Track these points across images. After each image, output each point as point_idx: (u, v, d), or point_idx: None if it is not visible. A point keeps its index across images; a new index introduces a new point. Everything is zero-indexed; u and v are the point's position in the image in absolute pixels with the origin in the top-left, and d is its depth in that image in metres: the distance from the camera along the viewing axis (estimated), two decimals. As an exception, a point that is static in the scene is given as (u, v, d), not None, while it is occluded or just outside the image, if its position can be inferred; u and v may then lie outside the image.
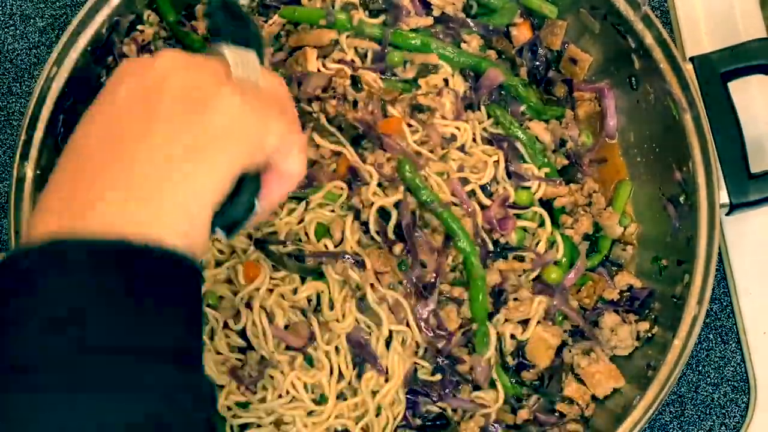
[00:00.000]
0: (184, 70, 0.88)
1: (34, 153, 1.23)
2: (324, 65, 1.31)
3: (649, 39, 1.27)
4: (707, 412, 1.42)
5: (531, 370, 1.30)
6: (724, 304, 1.45)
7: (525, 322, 1.30)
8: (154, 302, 0.80)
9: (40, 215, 0.83)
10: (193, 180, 0.83)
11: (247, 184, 0.93)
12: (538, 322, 1.29)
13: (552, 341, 1.29)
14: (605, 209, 1.34)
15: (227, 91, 0.87)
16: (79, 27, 1.26)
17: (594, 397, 1.30)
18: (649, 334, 1.30)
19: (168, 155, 0.83)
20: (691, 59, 1.27)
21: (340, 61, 1.31)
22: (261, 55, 1.00)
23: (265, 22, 1.34)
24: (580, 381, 1.31)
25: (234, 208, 0.92)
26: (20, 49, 1.49)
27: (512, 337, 1.29)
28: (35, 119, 1.24)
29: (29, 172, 1.23)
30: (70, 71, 1.25)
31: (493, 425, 1.28)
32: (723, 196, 1.24)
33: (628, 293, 1.34)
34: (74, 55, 1.26)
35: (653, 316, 1.31)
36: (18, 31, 1.49)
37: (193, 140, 0.84)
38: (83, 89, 1.29)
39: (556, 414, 1.30)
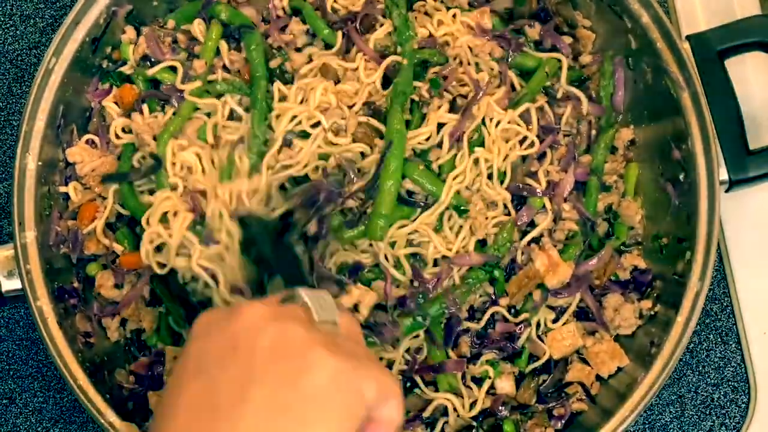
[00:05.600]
0: (271, 322, 0.86)
1: (35, 144, 1.25)
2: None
3: (645, 18, 1.28)
4: (707, 413, 1.42)
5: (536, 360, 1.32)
6: (724, 304, 1.45)
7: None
8: None
9: None
10: None
11: None
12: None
13: (578, 341, 1.30)
14: (624, 198, 1.35)
15: (321, 353, 0.84)
16: (77, 17, 1.26)
17: (599, 377, 1.30)
18: (652, 312, 1.30)
19: (270, 426, 0.81)
20: (688, 38, 1.27)
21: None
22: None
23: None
24: (585, 361, 1.31)
25: None
26: (20, 49, 1.50)
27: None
28: (36, 110, 1.25)
29: (31, 164, 1.24)
30: (69, 61, 1.27)
31: (500, 407, 1.28)
32: (722, 173, 1.24)
33: (633, 274, 1.34)
34: (73, 45, 1.27)
35: (655, 295, 1.31)
36: (18, 32, 1.50)
37: (296, 408, 0.81)
38: (83, 79, 1.32)
39: (562, 393, 1.30)
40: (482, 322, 1.29)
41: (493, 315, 1.29)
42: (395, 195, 1.23)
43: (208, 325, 0.90)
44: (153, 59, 1.33)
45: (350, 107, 1.27)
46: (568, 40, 1.36)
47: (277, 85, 1.29)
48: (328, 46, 1.33)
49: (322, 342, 0.85)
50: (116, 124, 1.31)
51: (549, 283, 1.28)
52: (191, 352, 0.88)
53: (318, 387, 0.83)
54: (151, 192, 1.28)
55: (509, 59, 1.33)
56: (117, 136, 1.31)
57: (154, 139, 1.28)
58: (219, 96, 1.30)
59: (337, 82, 1.29)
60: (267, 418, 0.81)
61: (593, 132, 1.34)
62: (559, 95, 1.34)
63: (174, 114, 1.30)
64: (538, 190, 1.29)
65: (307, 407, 0.82)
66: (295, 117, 1.26)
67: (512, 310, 1.30)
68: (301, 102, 1.28)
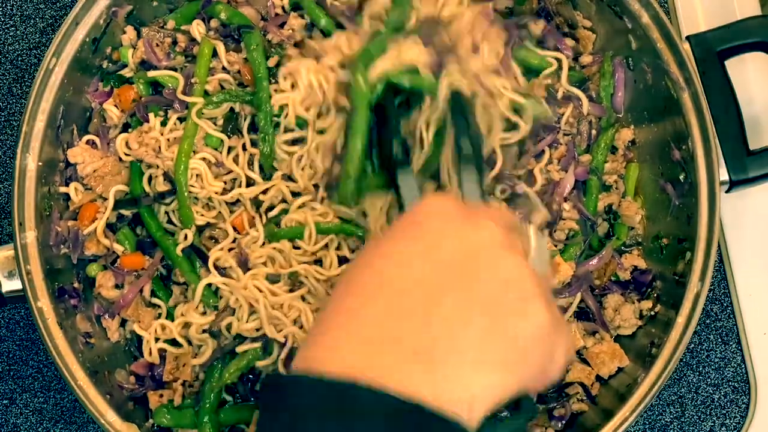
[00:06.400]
0: (509, 252, 0.87)
1: (35, 144, 1.25)
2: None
3: (645, 19, 1.28)
4: (708, 413, 1.43)
5: None
6: (725, 304, 1.45)
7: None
8: None
9: (337, 352, 0.81)
10: (483, 376, 0.81)
11: (525, 406, 0.89)
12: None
13: (579, 342, 1.30)
14: (624, 198, 1.35)
15: (540, 306, 0.85)
16: (77, 17, 1.27)
17: (599, 377, 1.30)
18: (652, 313, 1.30)
19: (473, 343, 0.81)
20: (688, 38, 1.27)
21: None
22: None
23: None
24: (585, 362, 1.31)
25: (504, 426, 0.88)
26: (20, 49, 1.50)
27: None
28: (36, 111, 1.25)
29: (31, 164, 1.24)
30: (69, 62, 1.27)
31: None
32: (722, 174, 1.24)
33: (633, 274, 1.34)
34: (73, 45, 1.27)
35: (656, 295, 1.31)
36: (18, 32, 1.50)
37: (499, 344, 0.82)
38: (83, 80, 1.32)
39: (562, 394, 1.30)
40: None
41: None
42: (361, 153, 1.22)
43: (441, 212, 0.89)
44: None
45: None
46: (570, 42, 1.35)
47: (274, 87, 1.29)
48: (326, 36, 1.32)
49: (544, 295, 0.86)
50: (119, 144, 1.31)
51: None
52: (425, 240, 0.87)
53: (523, 337, 0.83)
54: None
55: (512, 44, 1.32)
56: (125, 154, 1.31)
57: (158, 150, 1.28)
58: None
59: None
60: (479, 341, 0.81)
61: (594, 132, 1.34)
62: (559, 95, 1.33)
63: (180, 122, 1.30)
64: (518, 187, 1.28)
65: (508, 349, 0.82)
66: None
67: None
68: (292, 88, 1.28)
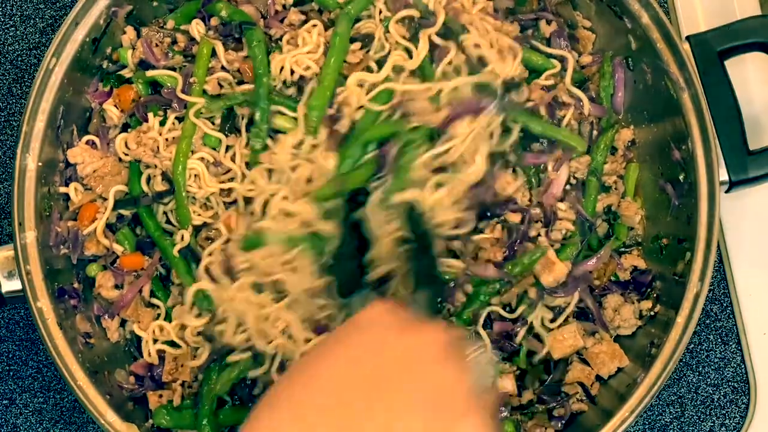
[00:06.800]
0: (451, 364, 0.93)
1: (35, 144, 1.25)
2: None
3: (645, 19, 1.28)
4: (707, 413, 1.43)
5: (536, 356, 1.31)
6: (725, 304, 1.45)
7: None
8: None
9: None
10: None
11: None
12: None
13: (579, 342, 1.29)
14: (624, 199, 1.35)
15: (470, 421, 0.90)
16: (77, 18, 1.27)
17: (599, 377, 1.30)
18: (652, 313, 1.30)
19: None
20: (688, 38, 1.27)
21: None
22: None
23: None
24: (585, 362, 1.31)
25: None
26: (20, 50, 1.50)
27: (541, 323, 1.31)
28: (36, 111, 1.25)
29: (31, 164, 1.24)
30: (69, 62, 1.27)
31: (500, 408, 1.28)
32: (722, 174, 1.24)
33: (633, 274, 1.34)
34: (73, 46, 1.27)
35: (655, 295, 1.31)
36: (18, 32, 1.50)
37: None
38: (83, 80, 1.32)
39: (562, 394, 1.30)
40: (480, 323, 1.28)
41: (489, 314, 1.29)
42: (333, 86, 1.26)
43: (381, 321, 0.98)
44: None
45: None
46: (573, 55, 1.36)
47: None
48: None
49: (477, 411, 0.91)
50: (119, 144, 1.31)
51: (545, 281, 1.27)
52: (361, 337, 0.96)
53: None
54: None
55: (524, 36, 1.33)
56: (125, 154, 1.31)
57: (156, 150, 1.29)
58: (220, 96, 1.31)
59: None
60: None
61: (595, 133, 1.34)
62: (563, 98, 1.33)
63: (178, 121, 1.30)
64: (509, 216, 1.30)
65: None
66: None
67: (507, 309, 1.30)
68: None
